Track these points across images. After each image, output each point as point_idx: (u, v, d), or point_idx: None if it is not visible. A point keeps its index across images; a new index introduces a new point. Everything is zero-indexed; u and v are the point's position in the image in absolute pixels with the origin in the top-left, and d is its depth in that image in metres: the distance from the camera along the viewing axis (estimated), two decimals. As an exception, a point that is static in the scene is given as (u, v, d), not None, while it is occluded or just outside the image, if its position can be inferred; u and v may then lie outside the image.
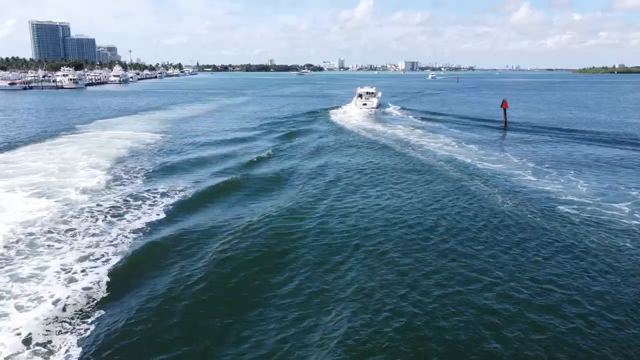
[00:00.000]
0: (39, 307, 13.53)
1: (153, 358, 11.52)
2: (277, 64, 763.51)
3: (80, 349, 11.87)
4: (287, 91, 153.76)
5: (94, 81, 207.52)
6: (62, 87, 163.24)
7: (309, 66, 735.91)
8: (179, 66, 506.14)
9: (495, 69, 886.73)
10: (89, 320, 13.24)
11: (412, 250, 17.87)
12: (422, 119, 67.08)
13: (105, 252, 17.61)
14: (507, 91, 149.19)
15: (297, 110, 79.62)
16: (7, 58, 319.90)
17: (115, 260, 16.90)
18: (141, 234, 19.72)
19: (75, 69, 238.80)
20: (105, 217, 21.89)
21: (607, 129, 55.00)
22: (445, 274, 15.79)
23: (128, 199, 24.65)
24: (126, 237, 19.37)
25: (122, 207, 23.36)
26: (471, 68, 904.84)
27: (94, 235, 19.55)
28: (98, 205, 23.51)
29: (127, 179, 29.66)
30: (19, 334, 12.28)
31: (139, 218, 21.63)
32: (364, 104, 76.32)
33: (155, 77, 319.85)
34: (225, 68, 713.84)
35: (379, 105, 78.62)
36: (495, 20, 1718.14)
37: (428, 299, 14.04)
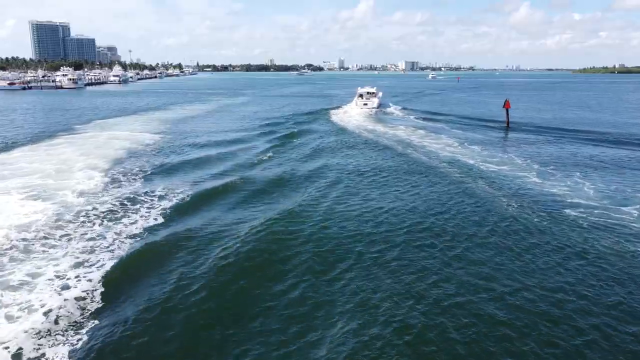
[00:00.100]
0: (30, 318, 12.95)
1: (149, 373, 10.96)
2: (277, 64, 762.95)
3: (72, 363, 11.31)
4: (287, 91, 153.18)
5: (93, 81, 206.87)
6: (61, 87, 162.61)
7: (309, 66, 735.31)
8: (179, 66, 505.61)
9: (495, 69, 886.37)
10: (83, 331, 12.65)
11: (418, 257, 17.25)
12: (424, 119, 66.54)
13: (101, 259, 17.00)
14: (507, 91, 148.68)
15: (297, 111, 79.06)
16: (6, 58, 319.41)
17: (110, 267, 16.28)
18: (138, 239, 19.12)
19: (75, 69, 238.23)
20: (102, 221, 21.32)
21: (610, 129, 54.45)
22: (454, 282, 15.18)
23: (125, 202, 24.08)
24: (122, 242, 18.78)
25: (119, 210, 22.78)
26: (471, 68, 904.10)
27: (89, 239, 18.98)
28: (94, 208, 22.94)
29: (124, 181, 29.09)
30: (7, 348, 11.70)
31: (136, 222, 21.04)
32: (365, 104, 75.84)
33: (155, 77, 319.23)
34: (225, 68, 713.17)
35: (379, 105, 78.15)
36: (495, 20, 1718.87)
37: (437, 309, 13.44)
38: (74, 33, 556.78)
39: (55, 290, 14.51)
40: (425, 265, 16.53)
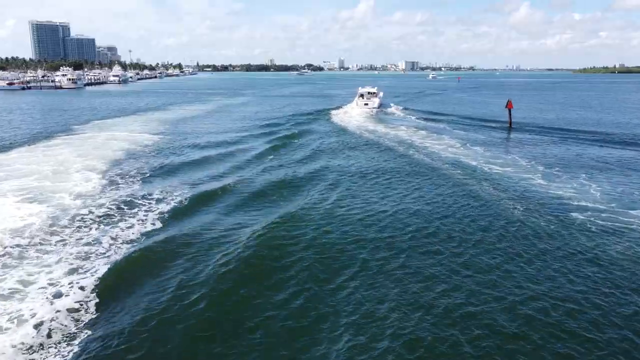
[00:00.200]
0: (19, 331, 12.36)
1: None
2: (277, 64, 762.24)
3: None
4: (287, 91, 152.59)
5: (93, 81, 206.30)
6: (60, 87, 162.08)
7: (309, 66, 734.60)
8: (179, 66, 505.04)
9: (495, 69, 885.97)
10: (75, 343, 12.08)
11: (425, 264, 16.63)
12: (425, 119, 65.99)
13: (96, 266, 16.39)
14: (508, 91, 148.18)
15: (297, 111, 78.49)
16: (6, 58, 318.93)
17: (106, 274, 15.66)
18: (135, 244, 18.54)
19: (75, 69, 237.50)
20: (98, 225, 20.78)
21: (614, 130, 53.95)
22: (464, 291, 14.56)
23: (122, 205, 23.51)
24: (119, 247, 18.22)
25: (116, 214, 22.23)
26: (471, 68, 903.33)
27: (85, 244, 18.43)
28: (90, 212, 22.39)
29: (122, 183, 28.55)
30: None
31: (133, 226, 20.47)
32: (366, 104, 75.37)
33: (155, 77, 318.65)
34: (225, 68, 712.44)
35: (380, 105, 77.67)
36: (495, 20, 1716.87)
37: (447, 320, 12.82)
38: (74, 33, 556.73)
39: (47, 299, 13.92)
40: (432, 273, 15.91)
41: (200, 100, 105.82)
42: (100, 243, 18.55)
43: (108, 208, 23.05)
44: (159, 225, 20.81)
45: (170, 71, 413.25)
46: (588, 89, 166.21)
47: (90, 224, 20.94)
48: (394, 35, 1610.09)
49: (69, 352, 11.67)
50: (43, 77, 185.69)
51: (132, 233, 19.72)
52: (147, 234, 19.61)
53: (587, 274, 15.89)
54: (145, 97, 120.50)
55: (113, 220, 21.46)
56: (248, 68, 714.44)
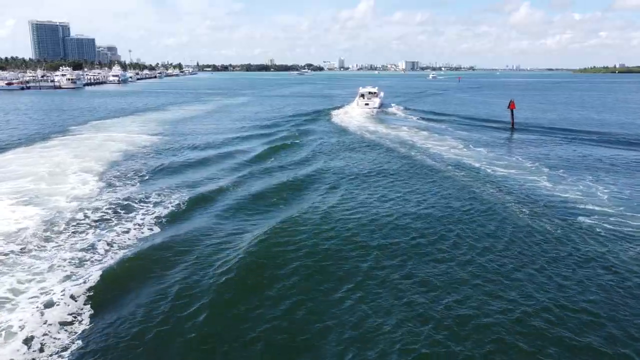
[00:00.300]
0: (7, 346, 11.74)
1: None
2: (277, 64, 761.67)
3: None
4: (287, 91, 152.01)
5: (92, 81, 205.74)
6: (60, 87, 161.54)
7: (309, 66, 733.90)
8: (179, 66, 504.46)
9: (495, 69, 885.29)
10: (66, 356, 11.50)
11: (432, 273, 15.90)
12: (427, 119, 65.42)
13: (91, 273, 15.66)
14: (509, 91, 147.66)
15: (298, 111, 77.92)
16: (6, 58, 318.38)
17: (100, 283, 14.96)
18: (131, 250, 17.87)
19: (75, 69, 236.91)
20: (94, 230, 20.18)
21: (619, 130, 53.41)
22: (474, 303, 13.84)
23: (118, 209, 22.89)
24: (115, 253, 17.59)
25: (112, 218, 21.62)
26: (471, 68, 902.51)
27: (80, 250, 17.80)
28: (86, 216, 21.79)
29: (119, 185, 27.96)
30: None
31: (129, 231, 19.82)
32: (366, 104, 74.87)
33: (155, 77, 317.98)
34: (225, 68, 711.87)
35: (381, 105, 77.16)
36: (495, 20, 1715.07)
37: (459, 334, 12.11)
38: (74, 33, 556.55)
39: (38, 309, 13.30)
40: (440, 282, 15.21)
41: (199, 101, 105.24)
42: (96, 249, 17.93)
43: (104, 212, 22.46)
44: (156, 230, 20.20)
45: (170, 71, 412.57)
46: (589, 89, 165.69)
47: (86, 228, 20.36)
48: (394, 35, 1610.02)
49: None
50: (42, 77, 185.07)
51: (129, 238, 19.10)
52: (144, 240, 18.98)
53: (601, 282, 15.24)
54: (144, 97, 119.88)
55: (109, 224, 20.87)
56: (248, 68, 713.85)
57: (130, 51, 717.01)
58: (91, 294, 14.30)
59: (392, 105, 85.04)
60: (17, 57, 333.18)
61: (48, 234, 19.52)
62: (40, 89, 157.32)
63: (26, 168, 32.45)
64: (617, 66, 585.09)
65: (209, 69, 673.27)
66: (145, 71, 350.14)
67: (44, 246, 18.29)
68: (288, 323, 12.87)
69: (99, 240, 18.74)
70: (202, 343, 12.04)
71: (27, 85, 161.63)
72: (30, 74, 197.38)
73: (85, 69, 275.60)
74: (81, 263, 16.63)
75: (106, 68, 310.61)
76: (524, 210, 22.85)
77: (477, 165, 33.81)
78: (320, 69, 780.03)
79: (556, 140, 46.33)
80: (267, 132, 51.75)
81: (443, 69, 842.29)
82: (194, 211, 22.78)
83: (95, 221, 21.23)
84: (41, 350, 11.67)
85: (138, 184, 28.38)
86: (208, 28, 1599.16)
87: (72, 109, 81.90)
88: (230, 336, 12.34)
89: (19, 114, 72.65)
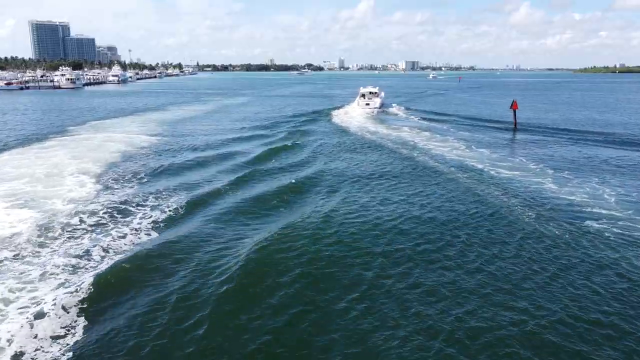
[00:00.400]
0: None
1: None
2: (277, 64, 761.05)
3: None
4: (287, 91, 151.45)
5: (92, 81, 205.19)
6: (59, 87, 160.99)
7: (310, 66, 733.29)
8: (179, 66, 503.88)
9: (495, 69, 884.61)
10: (58, 371, 10.97)
11: (440, 283, 15.20)
12: (428, 120, 64.84)
13: (85, 281, 15.04)
14: (510, 91, 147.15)
15: (298, 111, 77.37)
16: (6, 58, 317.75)
17: (95, 292, 14.36)
18: (127, 255, 17.23)
19: (74, 69, 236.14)
20: (90, 234, 19.61)
21: (623, 130, 52.87)
22: (485, 315, 13.18)
23: (115, 213, 22.31)
24: (110, 259, 17.00)
25: (109, 223, 21.04)
26: (472, 68, 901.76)
27: (74, 257, 17.19)
28: (82, 220, 21.21)
29: (116, 187, 27.37)
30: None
31: (125, 236, 19.23)
32: (367, 104, 74.38)
33: (155, 76, 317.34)
34: (225, 68, 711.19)
35: (382, 105, 76.69)
36: (496, 20, 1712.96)
37: (470, 349, 11.54)
38: (74, 33, 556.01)
39: (27, 320, 12.71)
40: (449, 293, 14.56)
41: (199, 101, 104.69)
42: (91, 255, 17.32)
43: (101, 216, 21.90)
44: (153, 235, 19.62)
45: (170, 71, 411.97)
46: (590, 89, 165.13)
47: (82, 233, 19.79)
48: (394, 35, 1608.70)
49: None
50: (42, 77, 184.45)
51: (125, 244, 18.52)
52: (141, 245, 18.39)
53: (617, 291, 14.60)
54: (144, 97, 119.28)
55: (105, 228, 20.29)
56: (248, 68, 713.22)
57: (130, 51, 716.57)
58: (85, 304, 13.70)
59: (393, 105, 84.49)
60: (17, 57, 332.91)
61: (42, 239, 18.94)
62: (39, 88, 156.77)
63: (22, 169, 31.90)
64: (618, 66, 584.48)
65: (209, 69, 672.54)
66: (145, 71, 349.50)
67: (38, 252, 17.72)
68: (291, 335, 12.30)
69: (95, 246, 18.17)
70: (202, 356, 11.48)
71: (26, 85, 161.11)
72: (30, 74, 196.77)
73: (85, 69, 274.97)
74: (75, 270, 16.04)
75: (106, 68, 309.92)
76: (530, 213, 22.29)
77: (480, 166, 33.24)
78: (321, 69, 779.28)
79: (560, 141, 45.78)
80: (267, 133, 51.19)
81: (443, 68, 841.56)
82: (193, 215, 22.20)
83: (91, 225, 20.67)
84: (31, 364, 11.10)
85: (136, 186, 27.82)
86: (208, 28, 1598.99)
87: (71, 109, 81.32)
88: (231, 349, 11.77)
89: (17, 114, 72.09)
